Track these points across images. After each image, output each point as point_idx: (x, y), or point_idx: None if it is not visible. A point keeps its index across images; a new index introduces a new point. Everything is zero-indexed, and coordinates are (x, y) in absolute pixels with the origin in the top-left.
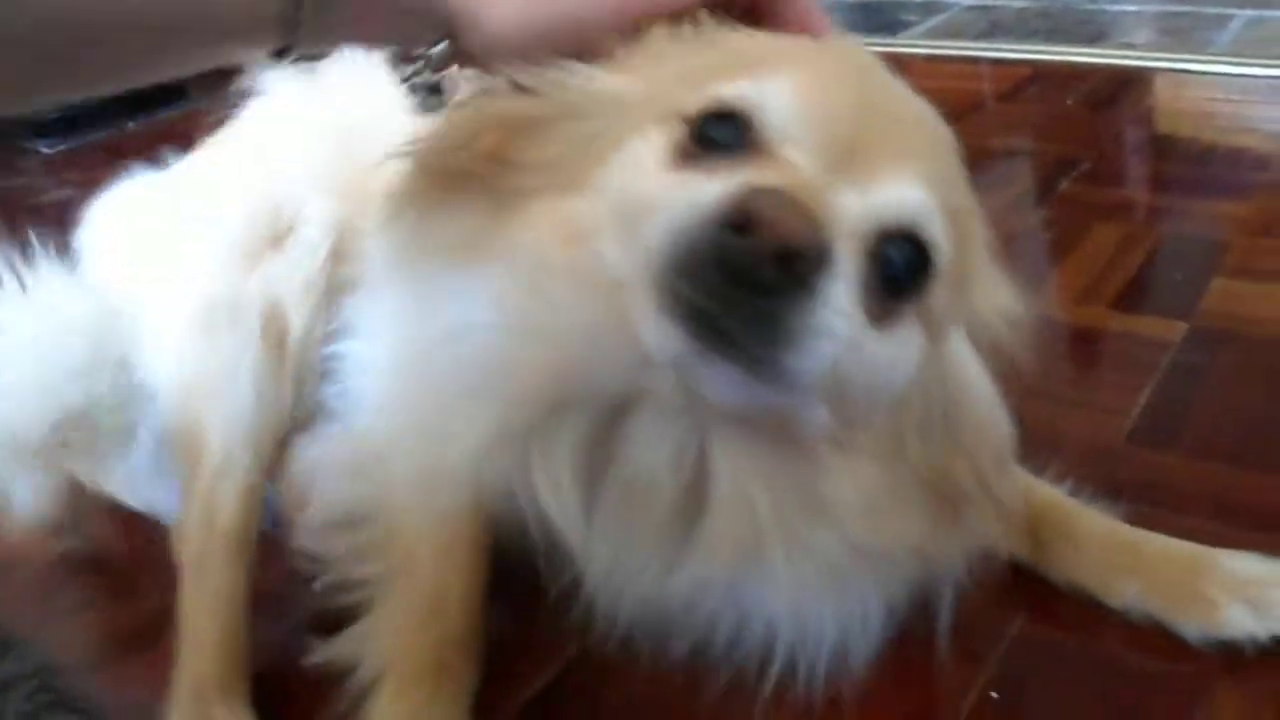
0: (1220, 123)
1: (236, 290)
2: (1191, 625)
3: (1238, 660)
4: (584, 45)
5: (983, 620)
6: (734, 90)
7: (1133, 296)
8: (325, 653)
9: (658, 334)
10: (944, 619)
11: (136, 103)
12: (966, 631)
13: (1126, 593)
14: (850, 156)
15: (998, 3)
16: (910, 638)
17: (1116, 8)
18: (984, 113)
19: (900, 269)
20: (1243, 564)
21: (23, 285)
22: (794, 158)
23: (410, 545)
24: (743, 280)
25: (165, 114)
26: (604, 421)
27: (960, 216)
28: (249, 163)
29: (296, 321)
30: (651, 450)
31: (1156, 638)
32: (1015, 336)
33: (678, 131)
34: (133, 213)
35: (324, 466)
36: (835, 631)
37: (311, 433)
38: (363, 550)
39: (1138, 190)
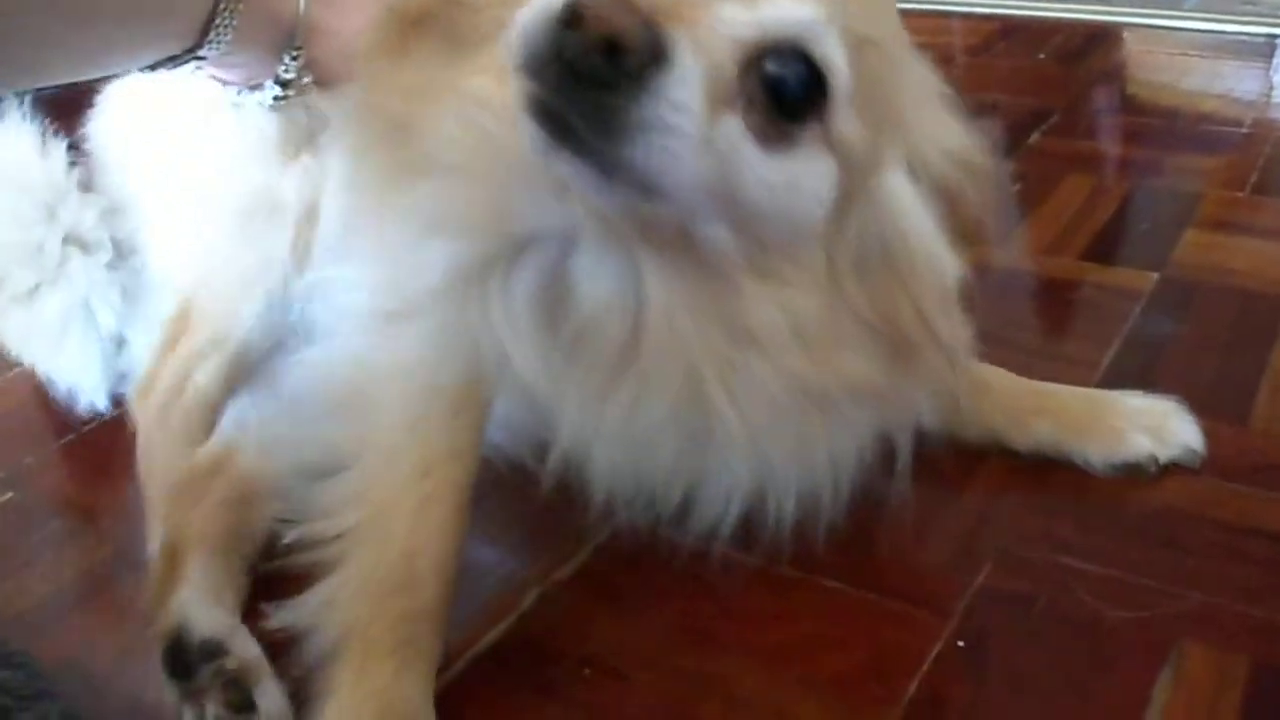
0: (1192, 79)
1: (275, 185)
2: (1098, 453)
3: (1207, 609)
4: None
5: (947, 571)
6: None
7: (1103, 248)
8: (283, 617)
9: (526, 136)
10: (902, 463)
11: None
12: (931, 581)
13: (1039, 432)
14: None
15: None
16: (875, 580)
17: None
18: (954, 66)
19: (792, 88)
20: (1140, 400)
21: None
22: None
23: (387, 498)
24: (579, 75)
25: None
26: (553, 261)
27: (880, 48)
28: None
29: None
30: (595, 286)
31: (1123, 589)
32: (966, 179)
33: None
34: (152, 100)
35: (303, 403)
36: (799, 483)
37: (288, 357)
38: (335, 502)
39: (1108, 143)
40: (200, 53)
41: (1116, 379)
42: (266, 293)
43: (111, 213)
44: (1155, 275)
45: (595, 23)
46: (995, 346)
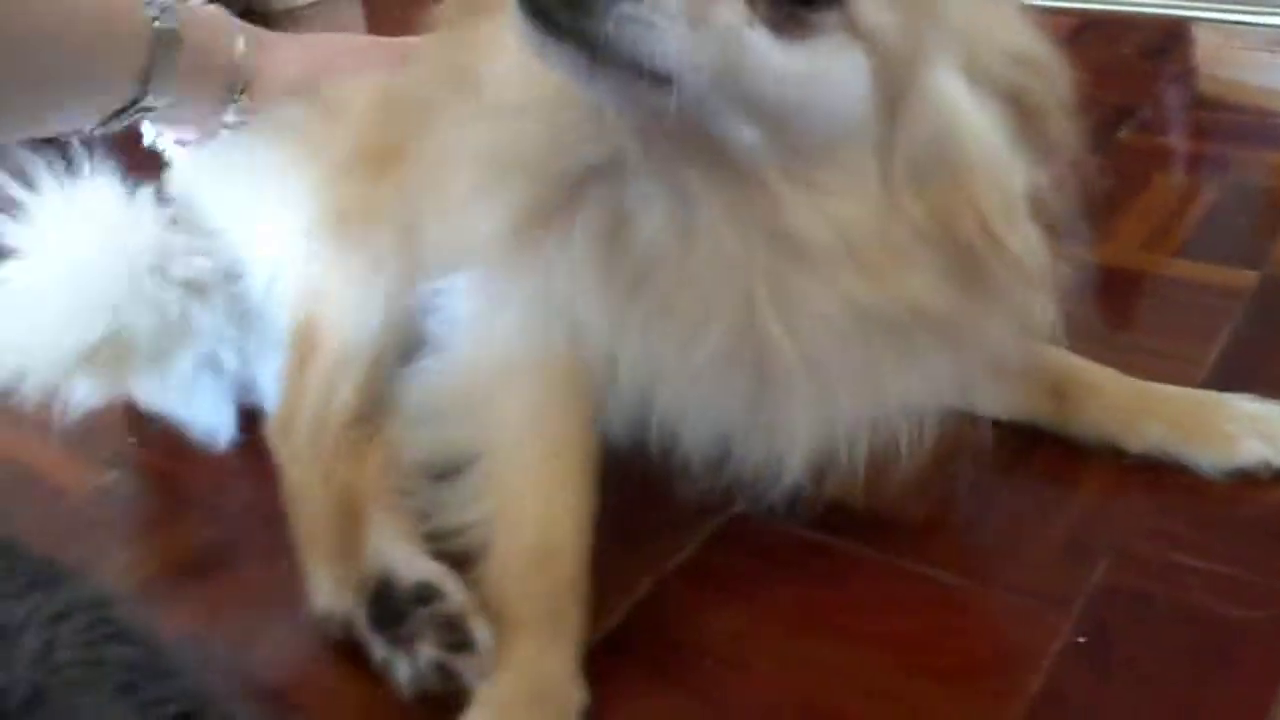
0: (1275, 74)
1: (366, 199)
2: (1210, 458)
3: None
4: None
5: (1063, 567)
6: None
7: (1200, 245)
8: None
9: (528, 46)
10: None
11: None
12: (1048, 576)
13: (1151, 435)
14: None
15: None
16: (992, 575)
17: None
18: None
19: None
20: (1253, 405)
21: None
22: None
23: (517, 484)
24: None
25: None
26: (609, 197)
27: None
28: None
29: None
30: (649, 215)
31: (1241, 587)
32: (1030, 79)
33: None
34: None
35: (425, 409)
36: (870, 425)
37: (412, 368)
38: (465, 496)
39: (1196, 140)
40: (146, 102)
41: (1222, 378)
42: (385, 294)
43: (208, 248)
44: (1256, 274)
45: None
46: (1097, 344)
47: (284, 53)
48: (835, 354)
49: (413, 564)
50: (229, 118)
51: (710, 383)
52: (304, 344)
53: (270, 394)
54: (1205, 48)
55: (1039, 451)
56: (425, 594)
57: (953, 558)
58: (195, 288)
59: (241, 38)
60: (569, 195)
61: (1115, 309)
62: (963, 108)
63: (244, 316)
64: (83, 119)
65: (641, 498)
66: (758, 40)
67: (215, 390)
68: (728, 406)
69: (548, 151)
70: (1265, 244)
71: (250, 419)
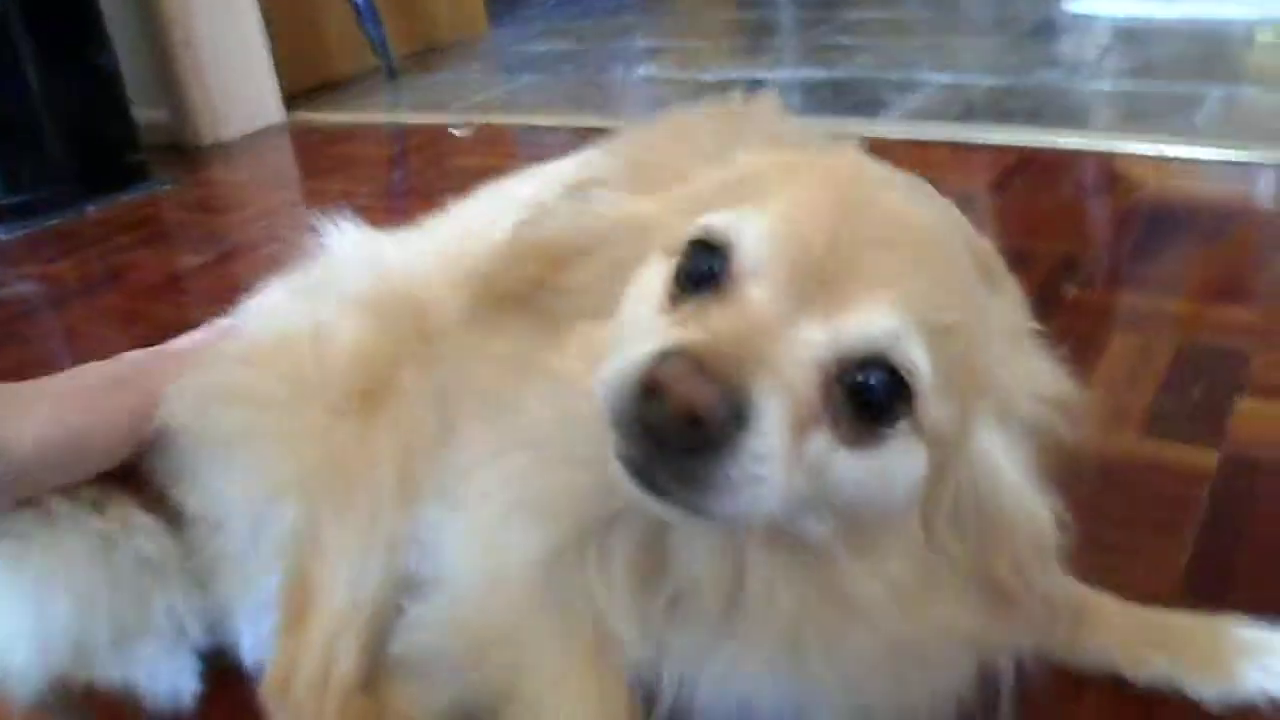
0: (1221, 212)
1: (361, 443)
2: (1213, 690)
3: None
4: (97, 463)
5: None
6: (719, 220)
7: (1160, 420)
8: None
9: (617, 476)
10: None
11: (96, 185)
12: None
13: (1155, 665)
14: (821, 286)
15: (971, 80)
16: None
17: (1092, 86)
18: (973, 207)
19: (877, 394)
20: (1251, 632)
21: None
22: (756, 295)
23: None
24: (663, 440)
25: (127, 197)
26: (651, 534)
27: (960, 328)
28: None
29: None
30: (693, 556)
31: None
32: (1061, 417)
33: (673, 264)
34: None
35: (435, 655)
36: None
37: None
38: None
39: (1148, 294)
40: None
41: (1198, 582)
42: (385, 545)
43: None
44: (1216, 454)
45: (675, 397)
46: (1079, 545)
47: (24, 413)
48: (870, 678)
49: None
50: None
51: (747, 693)
52: (297, 600)
53: (249, 650)
54: (1151, 186)
55: (1028, 685)
56: None
57: None
58: (150, 569)
59: None
60: (604, 529)
61: (1085, 502)
62: (1000, 463)
63: (212, 575)
64: None
65: None
66: (839, 459)
67: (179, 658)
68: (763, 709)
69: (583, 498)
70: (1223, 418)
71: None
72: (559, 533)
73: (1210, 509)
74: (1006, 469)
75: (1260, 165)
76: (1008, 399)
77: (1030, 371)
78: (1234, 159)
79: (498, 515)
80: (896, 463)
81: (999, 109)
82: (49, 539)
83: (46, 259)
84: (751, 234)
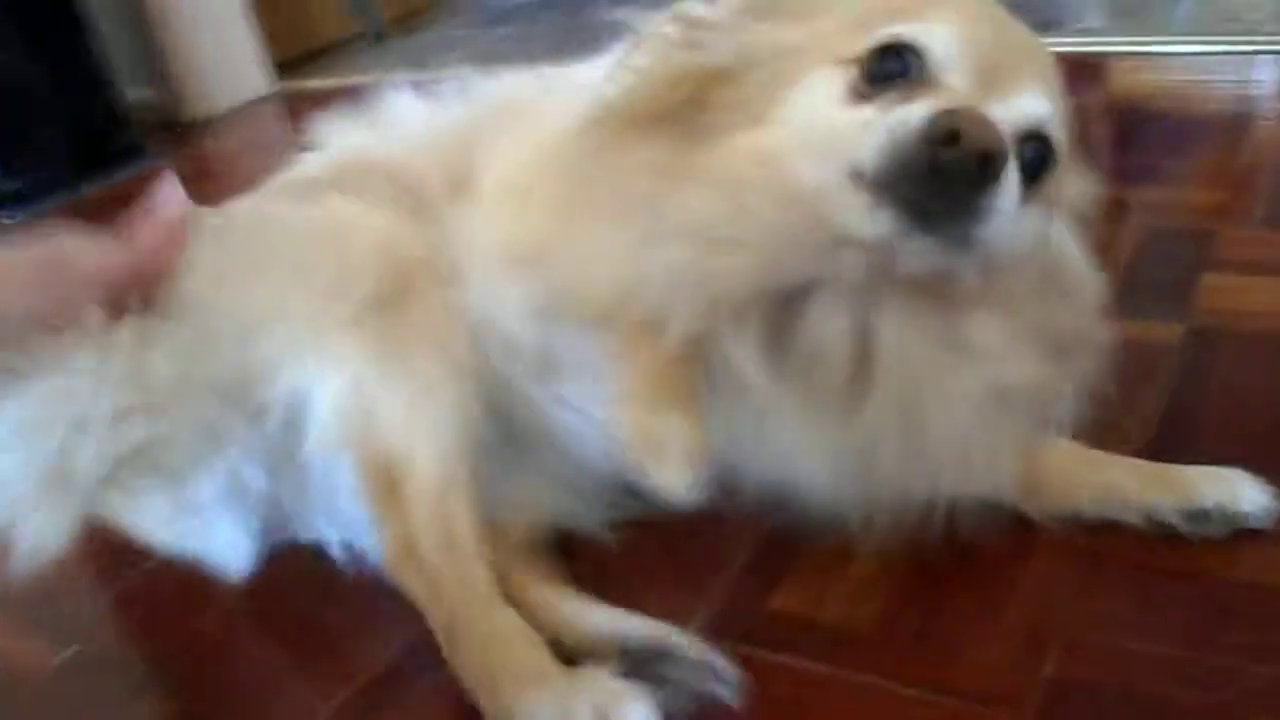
0: (1190, 105)
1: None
2: (1172, 504)
3: (1277, 684)
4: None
5: (1016, 664)
6: (906, 29)
7: (1127, 299)
8: None
9: (870, 222)
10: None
11: (90, 166)
12: (1001, 677)
13: (1116, 497)
14: (993, 79)
15: None
16: (947, 683)
17: None
18: None
19: (1034, 162)
20: (1210, 469)
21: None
22: (955, 83)
23: None
24: (951, 178)
25: (122, 176)
26: (785, 306)
27: (1065, 126)
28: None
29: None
30: (826, 327)
31: (1190, 669)
32: (1093, 211)
33: (850, 71)
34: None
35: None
36: (989, 468)
37: None
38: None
39: (1115, 183)
40: None
41: (1163, 447)
42: (452, 403)
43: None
44: (1180, 327)
45: (972, 140)
46: None
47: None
48: (973, 424)
49: (628, 624)
50: None
51: (860, 457)
52: (380, 477)
53: (307, 525)
54: (1122, 82)
55: (980, 548)
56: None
57: (906, 668)
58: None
59: None
60: (746, 308)
61: None
62: (1068, 239)
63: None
64: None
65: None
66: (1017, 214)
67: (239, 520)
68: (873, 475)
69: (750, 278)
70: (1188, 292)
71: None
72: (712, 315)
73: (1175, 377)
74: (1072, 244)
75: (1233, 55)
76: (1069, 194)
77: (1078, 174)
78: (1209, 50)
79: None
80: (1034, 223)
81: None
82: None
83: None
84: (941, 37)
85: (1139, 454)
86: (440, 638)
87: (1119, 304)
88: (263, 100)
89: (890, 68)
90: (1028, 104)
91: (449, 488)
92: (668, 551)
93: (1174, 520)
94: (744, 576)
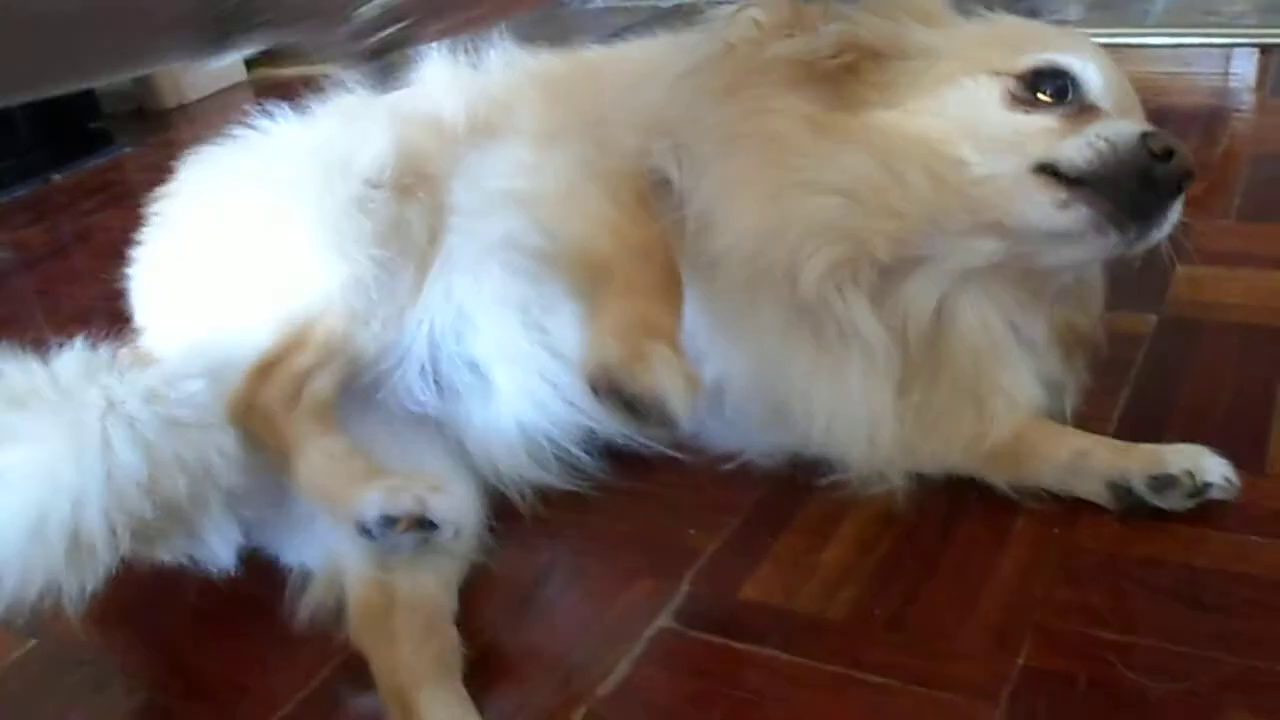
0: (1168, 98)
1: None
2: (1140, 469)
3: (1248, 673)
4: None
5: (988, 654)
6: (1064, 58)
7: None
8: None
9: (1062, 216)
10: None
11: (61, 154)
12: (974, 667)
13: (1095, 470)
14: (1127, 111)
15: None
16: (920, 673)
17: None
18: None
19: None
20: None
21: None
22: (1112, 110)
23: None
24: (1161, 186)
25: (91, 163)
26: (888, 274)
27: None
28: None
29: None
30: (918, 300)
31: (1162, 659)
32: None
33: (1008, 82)
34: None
35: None
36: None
37: None
38: None
39: None
40: None
41: (1129, 433)
42: (384, 317)
43: None
44: (1154, 317)
45: (1182, 158)
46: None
47: None
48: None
49: None
50: None
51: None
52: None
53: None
54: None
55: (956, 537)
56: None
57: (879, 658)
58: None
59: None
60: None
61: None
62: None
63: None
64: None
65: (573, 620)
66: None
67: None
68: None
69: (892, 247)
70: (1163, 284)
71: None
72: (840, 266)
73: (1147, 366)
74: None
75: (1210, 48)
76: None
77: None
78: (1187, 43)
79: (786, 238)
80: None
81: (956, 6)
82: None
83: (16, 226)
84: (1095, 70)
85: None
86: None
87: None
88: (234, 88)
89: (1050, 86)
90: (1146, 127)
91: (325, 361)
92: (639, 541)
93: (1140, 488)
94: (715, 566)
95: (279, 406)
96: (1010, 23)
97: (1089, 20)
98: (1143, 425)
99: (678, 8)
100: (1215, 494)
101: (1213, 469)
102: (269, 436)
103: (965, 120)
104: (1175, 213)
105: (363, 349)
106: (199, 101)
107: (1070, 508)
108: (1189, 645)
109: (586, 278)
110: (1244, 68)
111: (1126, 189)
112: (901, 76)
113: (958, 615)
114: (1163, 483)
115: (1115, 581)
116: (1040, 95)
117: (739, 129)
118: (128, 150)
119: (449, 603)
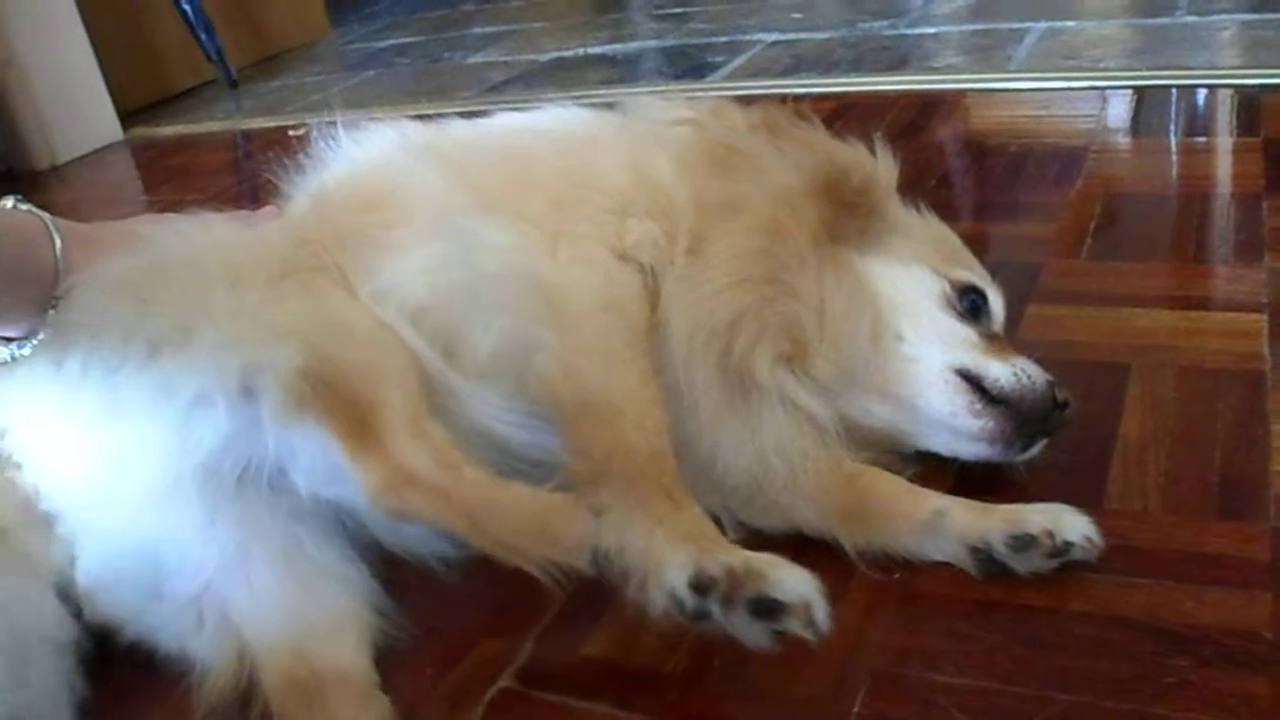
0: (1027, 139)
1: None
2: (1001, 530)
3: (1076, 710)
4: None
5: (825, 702)
6: (983, 284)
7: None
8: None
9: (974, 421)
10: None
11: None
12: (807, 715)
13: (951, 529)
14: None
15: (800, 36)
16: None
17: (916, 31)
18: None
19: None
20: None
21: None
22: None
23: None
24: (1046, 426)
25: None
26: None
27: None
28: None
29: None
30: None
31: (995, 700)
32: None
33: (945, 286)
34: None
35: None
36: None
37: None
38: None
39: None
40: None
41: (974, 473)
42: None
43: None
44: None
45: (1066, 409)
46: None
47: (99, 246)
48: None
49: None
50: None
51: None
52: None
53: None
54: (966, 119)
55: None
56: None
57: (715, 711)
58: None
59: (58, 236)
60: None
61: None
62: None
63: None
64: None
65: (418, 683)
66: None
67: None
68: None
69: (818, 364)
70: (1013, 323)
71: None
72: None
73: None
74: None
75: (1071, 91)
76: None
77: None
78: (1044, 87)
79: None
80: None
81: (825, 61)
82: None
83: None
84: (997, 301)
85: (952, 490)
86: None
87: None
88: (112, 148)
89: (969, 303)
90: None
91: (403, 398)
92: (489, 599)
93: (1000, 550)
94: (558, 623)
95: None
96: (938, 226)
97: (957, 66)
98: (987, 474)
99: (558, 61)
100: (1076, 555)
101: (1074, 527)
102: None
103: (911, 302)
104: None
105: None
106: (73, 162)
107: None
108: (1022, 685)
109: (595, 452)
110: (1116, 110)
111: (1029, 421)
112: (879, 235)
113: (794, 667)
114: (1023, 543)
115: (952, 625)
116: (961, 307)
117: (747, 203)
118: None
119: (371, 672)
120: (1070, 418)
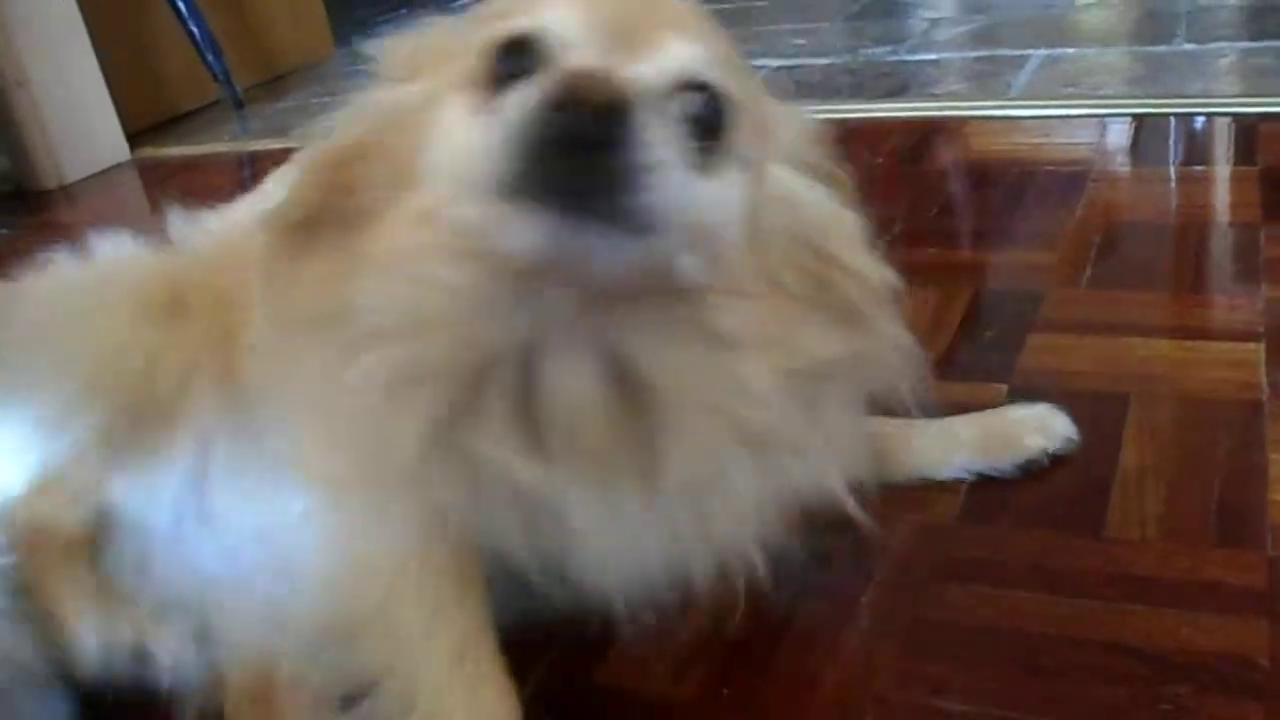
0: (1026, 167)
1: None
2: (1006, 460)
3: None
4: None
5: None
6: (514, 23)
7: (953, 362)
8: None
9: (524, 232)
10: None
11: None
12: None
13: (958, 462)
14: (628, 43)
15: (802, 62)
16: None
17: (917, 57)
18: None
19: (706, 116)
20: (1026, 409)
21: None
22: (580, 55)
23: (434, 688)
24: (574, 146)
25: None
26: (521, 374)
27: (740, 71)
28: None
29: None
30: (572, 379)
31: None
32: (818, 149)
33: (473, 86)
34: None
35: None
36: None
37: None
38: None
39: (952, 248)
40: None
41: (978, 501)
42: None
43: None
44: (1004, 388)
45: (584, 95)
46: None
47: None
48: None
49: None
50: None
51: (662, 518)
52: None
53: None
54: (965, 146)
55: (802, 611)
56: None
57: None
58: None
59: None
60: (476, 393)
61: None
62: (797, 185)
63: None
64: None
65: None
66: (695, 181)
67: None
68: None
69: (455, 349)
70: (1014, 353)
71: None
72: (439, 401)
73: None
74: (803, 188)
75: (1070, 119)
76: (785, 143)
77: (787, 118)
78: (1044, 114)
79: (371, 414)
80: (728, 187)
81: (827, 87)
82: None
83: None
84: (557, 20)
85: (958, 514)
86: None
87: (946, 366)
88: (119, 168)
89: (511, 69)
90: (672, 54)
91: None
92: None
93: (1012, 473)
94: (569, 651)
95: None
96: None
97: (957, 93)
98: (987, 487)
99: None
100: (1063, 452)
101: (1060, 430)
102: None
103: (444, 159)
104: (648, 157)
105: None
106: (81, 182)
107: (917, 578)
108: (1020, 711)
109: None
110: (1115, 137)
111: (541, 167)
112: (399, 151)
113: (802, 692)
114: (1028, 466)
115: (956, 651)
116: (504, 85)
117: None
118: (4, 233)
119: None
120: (593, 98)
